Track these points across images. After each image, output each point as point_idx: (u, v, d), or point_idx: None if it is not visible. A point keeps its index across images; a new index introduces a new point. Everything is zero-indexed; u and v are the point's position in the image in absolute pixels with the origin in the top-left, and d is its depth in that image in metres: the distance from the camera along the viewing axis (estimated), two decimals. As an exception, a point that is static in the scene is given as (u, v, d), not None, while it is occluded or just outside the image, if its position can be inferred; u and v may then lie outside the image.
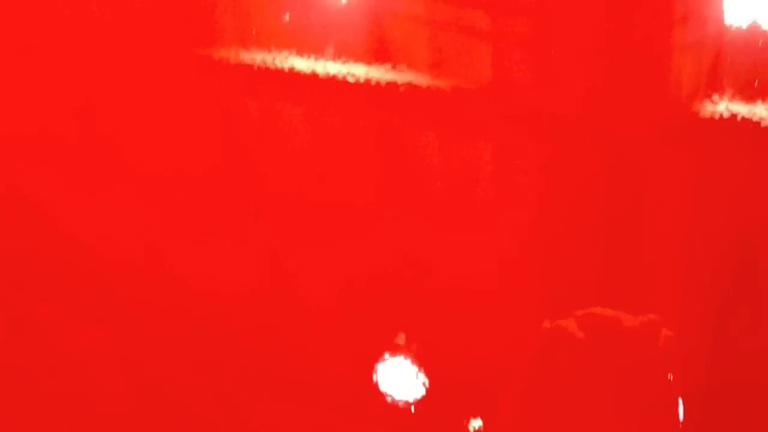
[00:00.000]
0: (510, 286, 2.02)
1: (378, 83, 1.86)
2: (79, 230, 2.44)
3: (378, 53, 1.88)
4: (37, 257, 2.40)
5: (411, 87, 1.81)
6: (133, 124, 2.28)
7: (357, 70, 1.87)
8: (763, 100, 1.73)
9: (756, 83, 1.71)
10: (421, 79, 1.81)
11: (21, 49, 2.25)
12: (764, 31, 1.72)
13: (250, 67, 1.92)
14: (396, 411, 1.87)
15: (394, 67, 1.86)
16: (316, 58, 1.95)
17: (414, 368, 1.87)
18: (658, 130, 1.77)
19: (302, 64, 1.91)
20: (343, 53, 1.95)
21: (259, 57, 1.94)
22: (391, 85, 1.83)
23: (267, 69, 1.93)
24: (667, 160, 1.77)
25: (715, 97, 1.72)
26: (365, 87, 1.84)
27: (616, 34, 1.82)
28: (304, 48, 1.96)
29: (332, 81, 1.87)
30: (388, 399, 1.91)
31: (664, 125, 1.79)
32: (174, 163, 2.29)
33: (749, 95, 1.75)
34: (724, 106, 1.70)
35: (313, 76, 1.86)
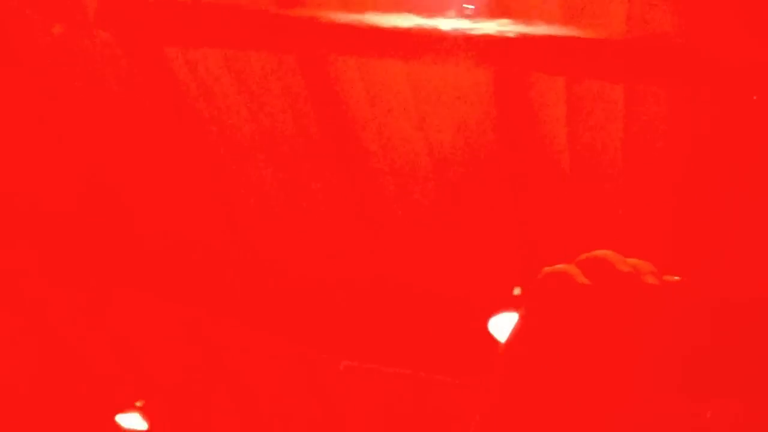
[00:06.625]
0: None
1: (511, 37, 1.85)
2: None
3: (511, 9, 1.87)
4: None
5: (546, 39, 1.79)
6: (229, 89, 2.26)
7: (487, 27, 1.87)
8: None
9: None
10: (556, 31, 1.80)
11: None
12: None
13: (383, 29, 1.90)
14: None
15: (527, 22, 1.85)
16: (447, 17, 1.94)
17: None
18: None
19: (431, 23, 1.90)
20: (474, 11, 1.94)
21: (390, 18, 1.93)
22: (527, 38, 1.82)
23: (400, 29, 1.90)
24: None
25: None
26: (498, 41, 1.83)
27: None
28: (439, 7, 1.95)
29: (463, 37, 1.86)
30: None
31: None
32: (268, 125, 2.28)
33: None
34: None
35: (442, 33, 1.85)
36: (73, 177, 2.35)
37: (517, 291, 2.25)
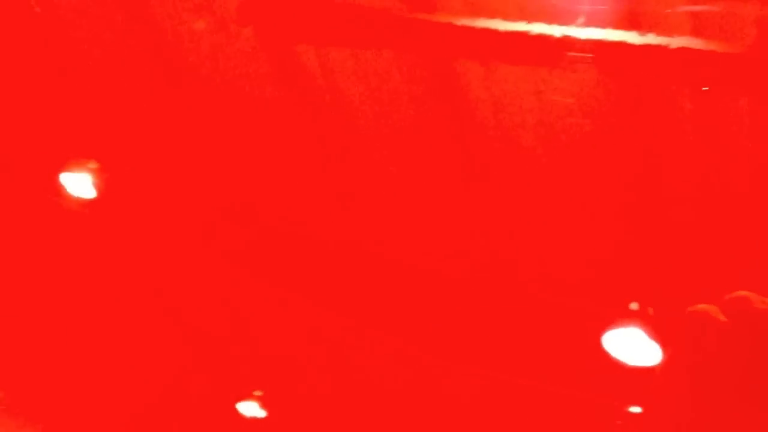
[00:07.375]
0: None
1: (637, 47, 1.85)
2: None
3: (639, 20, 1.88)
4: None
5: (673, 51, 1.80)
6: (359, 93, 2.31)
7: (615, 36, 1.88)
8: None
9: None
10: (684, 43, 1.80)
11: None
12: None
13: (510, 34, 1.94)
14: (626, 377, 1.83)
15: (655, 33, 1.86)
16: (570, 25, 1.96)
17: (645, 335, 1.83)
18: None
19: (558, 30, 1.93)
20: (598, 21, 1.95)
21: (518, 25, 1.96)
22: (647, 48, 1.82)
23: (528, 35, 1.94)
24: None
25: None
26: (625, 51, 1.84)
27: None
28: (562, 18, 1.98)
29: (586, 45, 1.88)
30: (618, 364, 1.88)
31: None
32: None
33: None
34: None
35: (569, 41, 1.87)
36: (204, 170, 2.43)
37: (634, 306, 2.23)
